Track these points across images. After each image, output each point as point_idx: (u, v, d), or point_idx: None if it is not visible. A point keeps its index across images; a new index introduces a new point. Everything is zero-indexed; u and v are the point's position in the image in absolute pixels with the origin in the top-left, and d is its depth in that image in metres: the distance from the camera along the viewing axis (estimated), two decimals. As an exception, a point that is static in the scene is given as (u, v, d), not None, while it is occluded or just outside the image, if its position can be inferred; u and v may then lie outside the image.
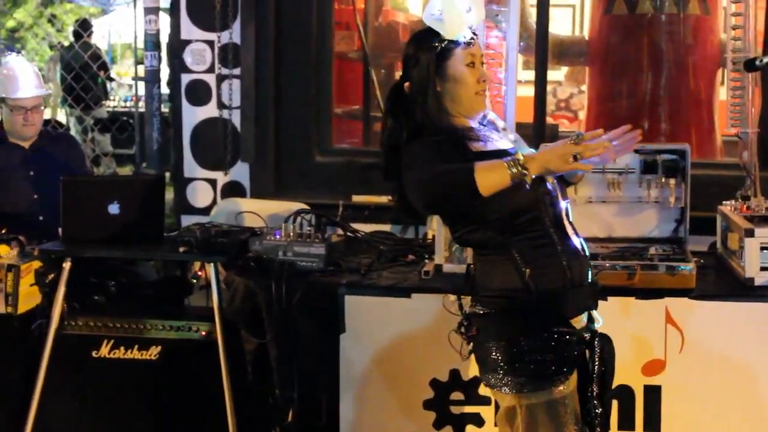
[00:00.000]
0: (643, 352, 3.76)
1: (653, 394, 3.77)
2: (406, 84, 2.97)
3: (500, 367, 2.91)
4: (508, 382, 2.92)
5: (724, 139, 5.84)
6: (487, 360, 2.95)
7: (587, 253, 3.02)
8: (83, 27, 10.03)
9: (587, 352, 2.96)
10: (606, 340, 3.00)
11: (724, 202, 4.25)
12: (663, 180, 4.17)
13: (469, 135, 2.93)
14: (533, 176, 2.73)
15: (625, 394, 3.76)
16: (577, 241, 2.98)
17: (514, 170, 2.71)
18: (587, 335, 2.96)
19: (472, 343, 3.02)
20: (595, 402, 2.97)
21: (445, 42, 2.91)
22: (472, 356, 3.05)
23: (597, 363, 2.96)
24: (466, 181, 2.72)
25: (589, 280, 3.01)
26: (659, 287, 3.75)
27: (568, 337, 2.91)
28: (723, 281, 3.96)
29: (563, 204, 2.98)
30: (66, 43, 11.70)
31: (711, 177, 4.85)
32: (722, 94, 5.77)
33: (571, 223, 3.01)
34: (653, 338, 3.74)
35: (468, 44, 2.92)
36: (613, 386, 3.69)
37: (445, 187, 2.80)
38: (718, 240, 4.30)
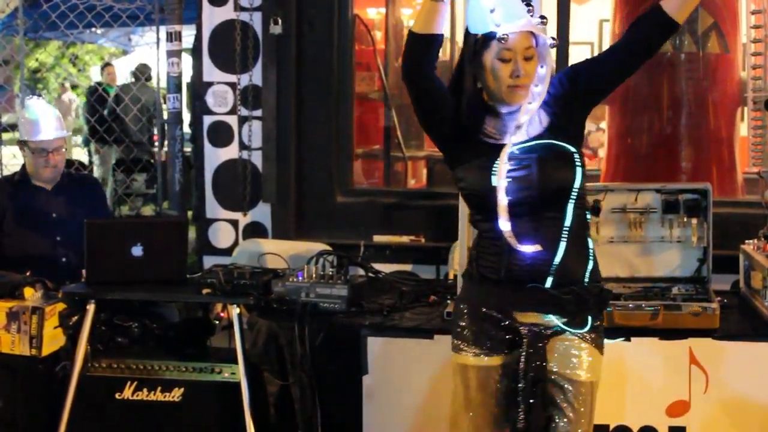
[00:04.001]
0: (668, 393, 3.74)
1: (678, 435, 3.75)
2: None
3: (451, 323, 3.19)
4: (452, 341, 3.15)
5: (745, 176, 5.83)
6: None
7: (554, 264, 2.96)
8: (141, 71, 10.12)
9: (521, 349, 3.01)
10: (537, 339, 3.00)
11: (746, 240, 4.24)
12: (685, 219, 4.16)
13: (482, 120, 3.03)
14: None
15: (650, 435, 3.75)
16: (529, 248, 2.95)
17: None
18: (525, 331, 3.00)
19: None
20: (518, 400, 3.00)
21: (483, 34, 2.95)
22: None
23: (523, 362, 2.99)
24: (408, 36, 2.96)
25: (546, 286, 2.98)
26: (683, 327, 3.74)
27: (494, 322, 3.03)
28: (747, 321, 3.94)
29: (504, 213, 2.95)
30: (85, 84, 11.79)
31: (733, 215, 4.84)
32: (742, 130, 5.78)
33: (542, 229, 2.97)
34: (677, 379, 3.73)
35: (500, 39, 2.90)
36: (636, 426, 3.72)
37: (406, 52, 3.00)
38: (741, 279, 4.28)
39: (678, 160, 5.50)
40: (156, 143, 9.95)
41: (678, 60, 5.49)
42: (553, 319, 3.00)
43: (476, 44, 2.95)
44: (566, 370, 3.00)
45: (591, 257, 3.04)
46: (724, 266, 4.35)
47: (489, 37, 2.92)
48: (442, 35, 2.97)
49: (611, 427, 3.78)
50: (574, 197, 2.98)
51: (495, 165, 2.94)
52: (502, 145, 2.97)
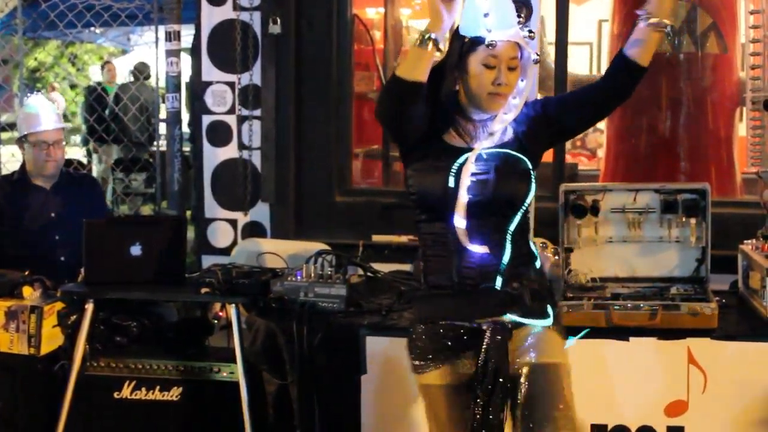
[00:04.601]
0: (666, 393, 3.75)
1: (677, 435, 3.75)
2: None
3: (409, 347, 3.14)
4: (411, 363, 3.13)
5: (743, 177, 5.83)
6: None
7: (502, 263, 3.00)
8: (140, 70, 10.11)
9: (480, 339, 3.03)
10: (497, 332, 3.01)
11: (745, 240, 4.24)
12: (683, 219, 4.15)
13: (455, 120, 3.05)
14: (434, 35, 2.81)
15: (649, 435, 3.75)
16: (478, 248, 2.99)
17: (418, 40, 2.83)
18: (485, 327, 3.02)
19: None
20: (479, 393, 3.01)
21: (472, 36, 2.96)
22: None
23: (483, 355, 3.01)
24: (390, 79, 2.90)
25: (496, 287, 3.01)
26: (681, 327, 3.74)
27: (457, 329, 3.04)
28: (745, 321, 3.94)
29: (462, 214, 2.98)
30: (84, 83, 11.80)
31: (731, 215, 4.85)
32: (741, 130, 5.78)
33: (487, 229, 3.01)
34: (676, 379, 3.73)
35: (488, 46, 2.93)
36: (635, 426, 3.72)
37: (381, 94, 3.01)
38: (739, 279, 4.28)
39: (677, 160, 5.50)
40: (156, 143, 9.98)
41: (677, 60, 5.49)
42: (513, 317, 3.03)
43: (463, 46, 2.98)
44: (541, 357, 3.00)
45: (536, 257, 3.13)
46: (723, 266, 4.35)
47: (477, 41, 2.95)
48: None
49: (609, 427, 3.78)
50: (523, 208, 3.04)
51: (453, 166, 2.98)
52: (467, 149, 3.01)
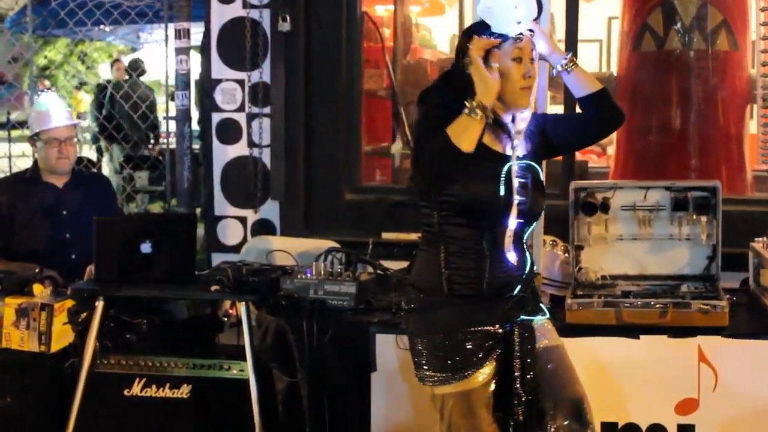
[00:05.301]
0: (676, 391, 3.74)
1: (687, 433, 3.75)
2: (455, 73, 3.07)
3: (420, 360, 3.13)
4: (425, 375, 3.13)
5: (754, 174, 5.81)
6: (413, 353, 3.17)
7: (525, 270, 3.13)
8: (133, 67, 10.11)
9: (510, 340, 3.10)
10: (525, 329, 3.12)
11: (755, 238, 4.23)
12: (694, 217, 4.14)
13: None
14: (487, 105, 2.87)
15: (659, 433, 3.75)
16: (512, 256, 3.07)
17: (467, 110, 2.86)
18: (507, 327, 3.09)
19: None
20: (516, 390, 3.08)
21: (495, 35, 2.98)
22: None
23: (518, 353, 3.09)
24: (448, 146, 2.85)
25: (515, 293, 3.11)
26: (692, 325, 3.74)
27: (481, 334, 3.06)
28: (756, 319, 3.94)
29: (513, 222, 3.05)
30: (94, 82, 11.82)
31: (742, 213, 4.83)
32: (752, 128, 5.76)
33: (518, 237, 3.10)
34: (686, 377, 3.72)
35: (516, 39, 2.96)
36: (645, 424, 3.72)
37: (430, 151, 2.92)
38: (750, 277, 4.28)
39: (687, 157, 5.49)
40: (162, 140, 10.01)
41: (687, 57, 5.47)
42: (525, 317, 3.15)
43: (487, 50, 2.99)
44: (552, 341, 3.20)
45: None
46: (734, 264, 4.33)
47: (500, 39, 2.98)
48: None
49: (620, 425, 3.77)
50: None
51: (502, 173, 3.02)
52: (502, 154, 3.06)
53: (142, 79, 10.62)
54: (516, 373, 3.09)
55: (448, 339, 3.07)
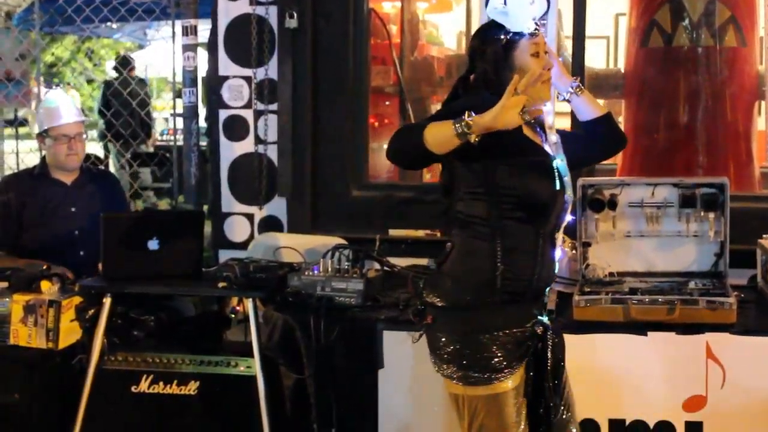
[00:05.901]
0: (684, 388, 3.74)
1: (695, 430, 3.74)
2: (471, 76, 3.07)
3: (450, 358, 3.05)
4: (454, 373, 3.05)
5: (762, 171, 5.80)
6: (438, 348, 3.08)
7: (555, 267, 3.17)
8: (123, 63, 10.10)
9: (540, 344, 3.09)
10: (557, 333, 3.15)
11: (763, 235, 4.22)
12: (702, 214, 4.14)
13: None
14: (477, 135, 2.76)
15: (667, 430, 3.74)
16: (557, 253, 3.13)
17: (458, 127, 2.76)
18: (539, 329, 3.08)
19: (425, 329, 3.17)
20: (548, 393, 3.09)
21: (510, 34, 2.98)
22: None
23: (550, 357, 3.08)
24: (416, 136, 2.82)
25: (547, 294, 3.20)
26: (699, 322, 3.73)
27: (519, 335, 3.04)
28: (764, 316, 3.93)
29: (568, 218, 3.12)
30: (101, 78, 11.84)
31: (750, 210, 4.81)
32: (760, 124, 5.75)
33: (561, 234, 3.18)
34: (694, 374, 3.72)
35: (532, 35, 2.97)
36: (653, 421, 3.71)
37: (400, 141, 2.92)
38: (758, 273, 4.27)
39: (695, 154, 5.48)
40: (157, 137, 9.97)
41: (695, 54, 5.46)
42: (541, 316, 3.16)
43: (505, 48, 2.99)
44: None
45: None
46: (741, 261, 4.33)
47: (516, 37, 2.98)
48: None
49: (627, 422, 3.77)
50: None
51: (553, 168, 3.05)
52: (543, 149, 3.08)
53: (136, 74, 10.63)
54: (545, 380, 3.08)
55: (490, 340, 3.01)
